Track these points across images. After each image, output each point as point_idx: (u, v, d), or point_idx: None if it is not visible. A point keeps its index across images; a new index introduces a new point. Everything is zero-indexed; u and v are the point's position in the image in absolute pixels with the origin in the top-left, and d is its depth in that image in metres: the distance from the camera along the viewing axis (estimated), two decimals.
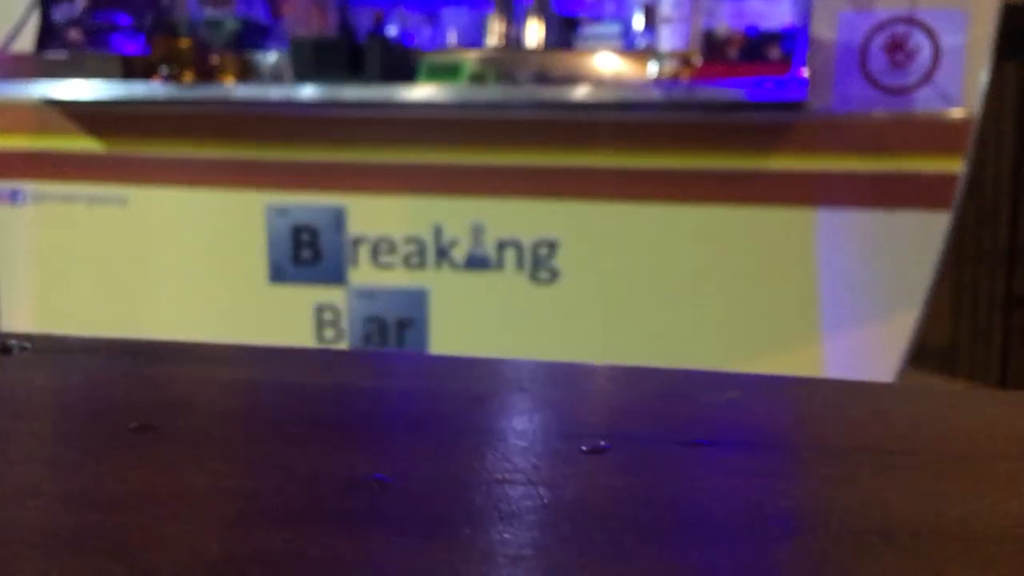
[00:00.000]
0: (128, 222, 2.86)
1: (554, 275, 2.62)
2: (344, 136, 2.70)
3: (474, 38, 2.85)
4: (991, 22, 2.29)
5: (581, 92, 2.34)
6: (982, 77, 2.31)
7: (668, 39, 2.40)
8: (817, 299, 2.46)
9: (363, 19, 3.27)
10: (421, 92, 2.44)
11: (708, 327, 2.54)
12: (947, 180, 2.34)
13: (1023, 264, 4.27)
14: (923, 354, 4.35)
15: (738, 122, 2.44)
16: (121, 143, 2.83)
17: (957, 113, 2.32)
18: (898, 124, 2.35)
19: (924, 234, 2.37)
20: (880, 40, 2.35)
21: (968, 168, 2.33)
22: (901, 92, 2.35)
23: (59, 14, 2.79)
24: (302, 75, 2.61)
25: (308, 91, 2.48)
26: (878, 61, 2.35)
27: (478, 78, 2.62)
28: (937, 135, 2.33)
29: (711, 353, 2.55)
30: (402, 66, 2.63)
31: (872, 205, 2.39)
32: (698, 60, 2.38)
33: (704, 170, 2.50)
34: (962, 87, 2.32)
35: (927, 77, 2.33)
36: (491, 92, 2.45)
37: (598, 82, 2.42)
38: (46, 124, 2.86)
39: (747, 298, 2.51)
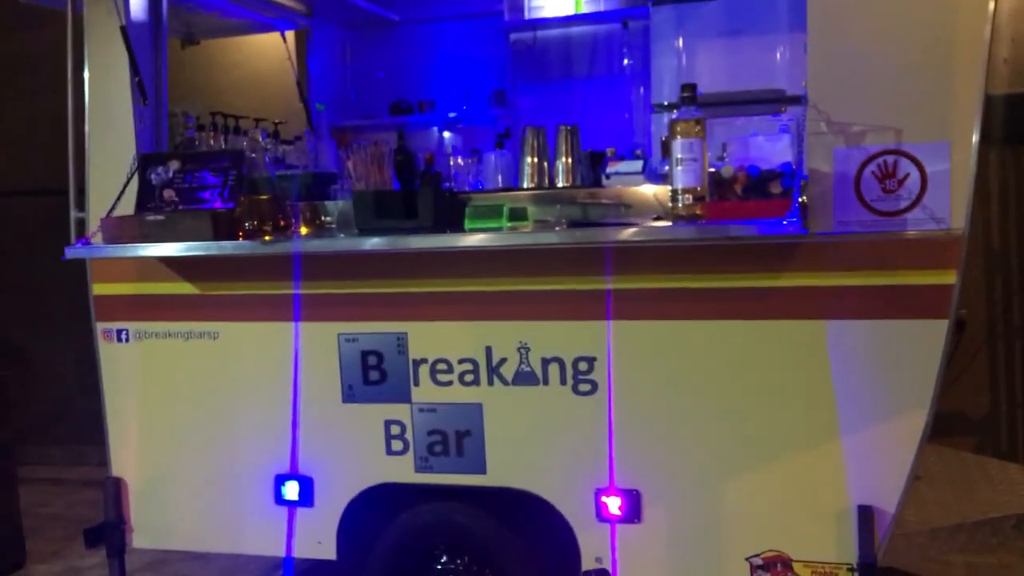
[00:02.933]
0: (219, 353, 3.25)
1: (594, 387, 2.92)
2: (403, 271, 3.06)
3: (512, 177, 3.21)
4: (971, 149, 2.56)
5: (610, 234, 2.66)
6: (967, 198, 2.57)
7: (682, 178, 2.71)
8: (834, 401, 2.71)
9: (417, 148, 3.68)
10: (469, 240, 2.79)
11: (735, 430, 2.80)
12: (942, 291, 2.59)
13: None
14: (964, 426, 4.51)
15: (751, 246, 2.73)
16: (212, 286, 3.24)
17: (947, 232, 2.58)
18: (894, 244, 2.62)
19: (925, 340, 2.61)
20: (872, 170, 2.63)
21: (960, 280, 2.58)
22: (894, 215, 2.62)
23: (155, 177, 3.23)
24: (364, 223, 2.99)
25: (371, 242, 2.85)
26: (871, 189, 2.63)
27: (518, 216, 2.97)
28: (930, 252, 2.59)
29: (739, 452, 2.81)
30: (451, 209, 3.00)
31: (876, 316, 2.65)
32: (709, 196, 2.68)
33: (724, 289, 2.78)
34: (950, 208, 2.58)
35: (917, 201, 2.60)
36: (530, 237, 2.78)
37: (624, 224, 2.73)
38: (146, 272, 3.29)
39: (769, 402, 2.77)
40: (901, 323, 2.64)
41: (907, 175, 2.61)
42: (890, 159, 2.62)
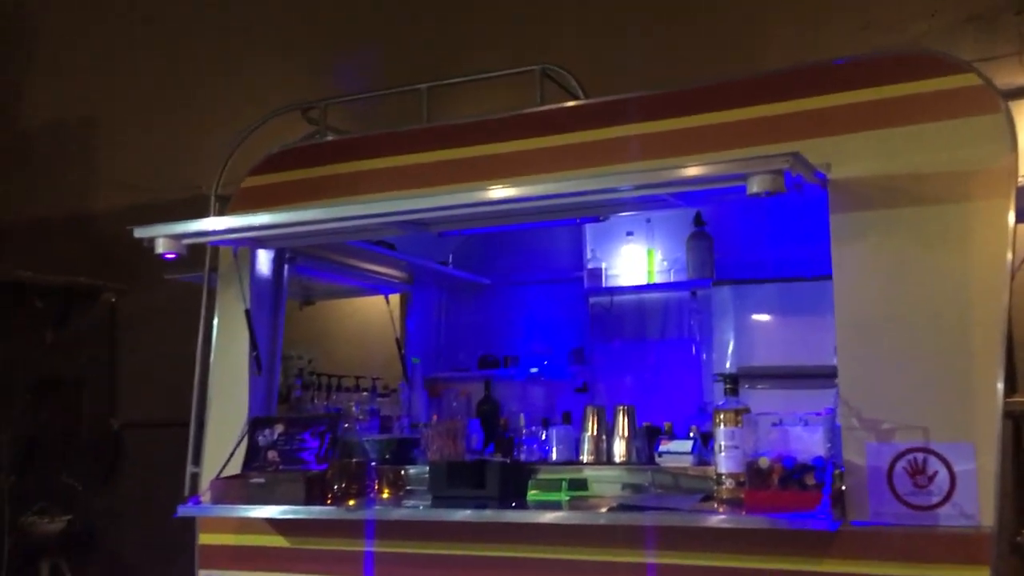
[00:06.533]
0: None
1: None
2: (470, 535, 3.32)
3: (573, 451, 3.51)
4: (994, 451, 2.73)
5: (653, 518, 2.90)
6: (995, 496, 2.71)
7: (724, 463, 2.96)
8: None
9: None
10: (529, 516, 3.07)
11: None
12: None
13: None
14: None
15: (791, 531, 2.91)
16: (302, 540, 3.58)
17: (976, 529, 2.71)
18: (926, 537, 2.76)
19: None
20: (903, 465, 2.82)
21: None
22: (926, 509, 2.78)
23: (262, 439, 3.67)
24: (438, 490, 3.32)
25: (443, 514, 3.16)
26: (903, 483, 2.81)
27: (577, 487, 3.25)
28: (960, 547, 2.72)
29: None
30: (516, 480, 3.30)
31: None
32: (749, 483, 2.91)
33: (766, 570, 2.94)
34: (978, 506, 2.73)
35: (947, 497, 2.76)
36: (588, 516, 3.03)
37: (668, 509, 2.96)
38: (245, 526, 3.66)
39: None
40: None
41: (936, 472, 2.79)
42: (919, 456, 2.81)
